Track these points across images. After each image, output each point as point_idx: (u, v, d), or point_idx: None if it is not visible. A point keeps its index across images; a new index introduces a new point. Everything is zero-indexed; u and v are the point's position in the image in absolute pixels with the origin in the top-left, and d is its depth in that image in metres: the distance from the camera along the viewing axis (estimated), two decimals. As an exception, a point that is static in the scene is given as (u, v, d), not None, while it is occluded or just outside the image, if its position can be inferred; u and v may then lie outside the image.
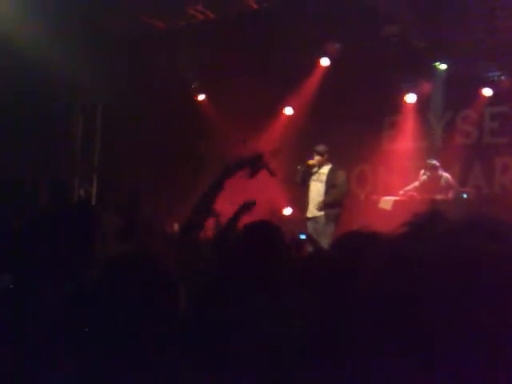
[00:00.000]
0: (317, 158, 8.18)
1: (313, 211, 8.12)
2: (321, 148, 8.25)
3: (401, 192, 8.93)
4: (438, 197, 8.65)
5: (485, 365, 0.66)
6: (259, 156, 3.23)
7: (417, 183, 8.89)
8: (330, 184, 8.04)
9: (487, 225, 0.72)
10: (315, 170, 8.22)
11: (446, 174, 8.89)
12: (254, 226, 2.56)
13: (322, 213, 8.02)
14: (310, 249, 6.35)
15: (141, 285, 1.43)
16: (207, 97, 11.42)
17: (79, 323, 1.40)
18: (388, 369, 0.70)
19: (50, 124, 9.47)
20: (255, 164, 3.20)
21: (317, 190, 8.14)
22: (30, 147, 9.04)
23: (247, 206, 3.85)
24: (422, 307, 0.67)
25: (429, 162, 8.85)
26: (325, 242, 6.69)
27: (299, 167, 8.29)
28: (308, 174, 8.22)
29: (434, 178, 8.76)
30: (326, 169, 8.20)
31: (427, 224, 0.75)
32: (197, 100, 11.42)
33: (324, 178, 8.15)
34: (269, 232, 2.49)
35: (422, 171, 9.06)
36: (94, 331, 1.38)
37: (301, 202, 8.65)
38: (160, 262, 1.56)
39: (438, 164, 8.85)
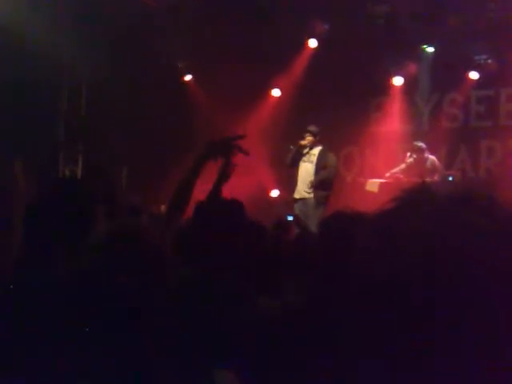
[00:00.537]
0: (309, 138, 8.14)
1: (301, 192, 8.10)
2: (313, 128, 8.22)
3: (387, 174, 8.96)
4: (425, 179, 8.69)
5: (483, 344, 0.65)
6: (230, 139, 2.96)
7: (403, 165, 8.92)
8: (320, 165, 8.03)
9: (478, 200, 0.72)
10: (306, 150, 8.19)
11: (432, 157, 8.93)
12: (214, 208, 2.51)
13: (311, 195, 8.01)
14: (297, 230, 6.38)
15: (130, 259, 1.42)
16: (194, 77, 11.33)
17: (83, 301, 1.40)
18: (382, 354, 0.70)
19: (34, 104, 9.35)
20: (227, 149, 2.94)
21: (306, 170, 8.12)
22: (13, 127, 8.93)
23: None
24: (411, 285, 0.67)
25: (415, 144, 8.88)
26: (314, 225, 6.70)
27: (291, 147, 8.24)
28: (299, 154, 8.19)
29: (420, 161, 8.80)
30: (316, 150, 8.18)
31: (416, 199, 0.74)
32: (183, 80, 11.32)
33: (314, 159, 8.13)
34: (232, 213, 2.42)
35: (409, 153, 9.09)
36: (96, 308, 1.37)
37: (288, 184, 8.64)
38: (146, 238, 1.55)
39: (424, 146, 8.89)
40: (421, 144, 8.87)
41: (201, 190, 4.10)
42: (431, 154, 9.03)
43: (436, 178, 8.79)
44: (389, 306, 0.68)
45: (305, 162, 8.19)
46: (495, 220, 0.69)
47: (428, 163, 8.84)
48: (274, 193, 10.67)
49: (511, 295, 0.65)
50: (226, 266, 2.25)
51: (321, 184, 7.95)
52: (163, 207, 9.63)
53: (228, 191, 4.15)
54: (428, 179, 8.68)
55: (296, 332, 2.01)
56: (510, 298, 0.65)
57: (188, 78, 11.34)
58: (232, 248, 2.32)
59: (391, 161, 9.65)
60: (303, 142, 8.13)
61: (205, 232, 2.32)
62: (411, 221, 0.70)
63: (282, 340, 2.02)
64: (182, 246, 2.27)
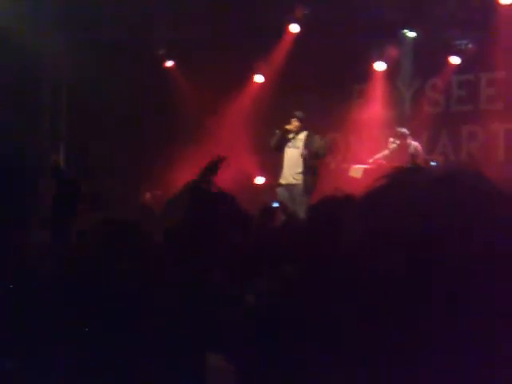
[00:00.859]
0: (295, 123, 8.11)
1: (288, 178, 8.06)
2: (300, 113, 8.20)
3: (370, 160, 9.00)
4: (405, 164, 8.74)
5: (467, 323, 0.66)
6: (215, 162, 3.92)
7: (386, 151, 8.96)
8: (308, 148, 8.01)
9: (465, 178, 0.73)
10: (292, 136, 8.17)
11: (414, 143, 8.98)
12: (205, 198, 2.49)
13: (298, 181, 7.98)
14: (282, 217, 6.39)
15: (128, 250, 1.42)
16: (175, 63, 11.24)
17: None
18: (371, 341, 0.70)
19: (16, 95, 9.25)
20: (214, 169, 3.87)
21: (292, 156, 8.10)
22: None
23: (213, 166, 3.82)
24: (399, 265, 0.68)
25: (398, 130, 8.92)
26: (301, 211, 6.69)
27: (277, 131, 8.21)
28: (284, 139, 8.16)
29: (403, 147, 8.84)
30: (302, 135, 8.16)
31: (403, 176, 0.74)
32: (164, 66, 11.23)
33: (301, 144, 8.10)
34: (222, 203, 2.42)
35: (391, 139, 9.13)
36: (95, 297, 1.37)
37: (274, 170, 8.63)
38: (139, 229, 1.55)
39: (407, 132, 8.93)
40: (404, 130, 8.92)
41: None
42: (413, 139, 9.08)
43: (417, 162, 8.83)
44: (377, 288, 0.68)
45: (290, 147, 8.16)
46: (481, 198, 0.70)
47: (411, 149, 8.89)
48: (259, 180, 10.67)
49: (499, 274, 0.66)
50: (215, 257, 2.25)
51: (315, 155, 7.96)
52: (148, 195, 9.60)
53: (213, 179, 4.15)
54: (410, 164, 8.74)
55: (285, 320, 2.02)
56: (498, 277, 0.66)
57: (169, 64, 11.24)
58: (220, 238, 2.32)
59: (374, 146, 9.68)
60: (289, 127, 8.11)
61: (195, 223, 2.32)
62: (397, 200, 0.71)
63: (271, 328, 2.04)
64: (174, 238, 2.27)
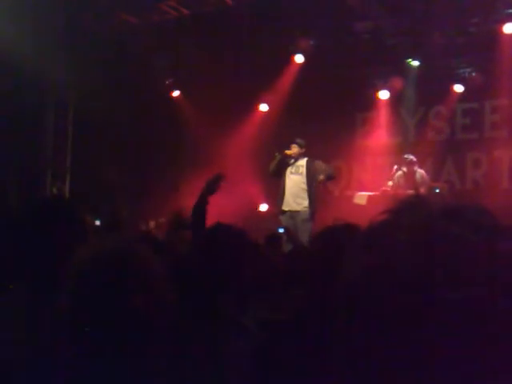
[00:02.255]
0: (295, 149, 8.14)
1: (291, 204, 8.05)
2: (300, 140, 8.25)
3: (383, 188, 8.97)
4: (411, 192, 8.74)
5: (471, 355, 0.66)
6: (218, 177, 4.01)
7: (395, 179, 8.97)
8: (311, 174, 8.02)
9: (469, 214, 0.72)
10: (292, 161, 8.19)
11: (420, 170, 8.99)
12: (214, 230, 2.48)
13: (300, 207, 7.96)
14: (287, 244, 6.38)
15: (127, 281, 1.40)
16: (182, 93, 11.36)
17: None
18: (372, 366, 0.70)
19: (21, 120, 9.32)
20: (217, 183, 3.96)
21: (294, 182, 8.10)
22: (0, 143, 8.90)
23: (213, 184, 3.82)
24: (401, 298, 0.67)
25: (406, 157, 8.93)
26: (305, 238, 6.65)
27: (276, 154, 8.24)
28: (284, 163, 8.18)
29: (410, 174, 8.86)
30: (302, 161, 8.18)
31: (407, 212, 0.74)
32: (171, 96, 11.36)
33: (303, 170, 8.12)
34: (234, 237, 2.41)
35: (395, 167, 9.16)
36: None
37: (276, 196, 8.62)
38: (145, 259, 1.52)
39: (414, 159, 8.95)
40: (411, 157, 8.94)
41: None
42: (419, 167, 9.10)
43: (422, 190, 8.83)
44: (379, 319, 0.68)
45: (292, 173, 8.17)
46: (484, 234, 0.69)
47: (417, 176, 8.90)
48: (263, 207, 10.68)
49: (499, 307, 0.66)
50: (227, 287, 2.25)
51: (329, 177, 8.04)
52: (152, 223, 9.61)
53: (217, 206, 4.15)
54: (414, 192, 8.74)
55: (290, 346, 2.01)
56: (498, 311, 0.66)
57: (176, 93, 11.38)
58: (232, 269, 2.32)
59: (378, 174, 9.70)
60: (289, 152, 8.15)
61: (206, 257, 2.32)
62: (400, 234, 0.71)
63: (279, 353, 2.03)
64: (182, 271, 2.27)
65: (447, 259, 0.67)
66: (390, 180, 8.95)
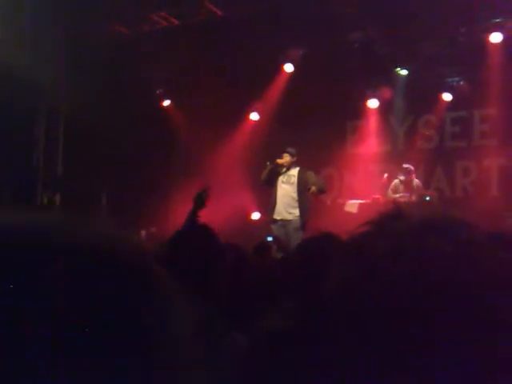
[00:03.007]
0: (287, 158, 8.16)
1: (283, 213, 8.06)
2: (291, 149, 8.27)
3: (391, 196, 9.04)
4: (401, 199, 8.81)
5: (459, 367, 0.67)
6: (204, 192, 4.19)
7: (393, 186, 9.11)
8: (302, 184, 8.03)
9: (448, 225, 0.74)
10: (283, 170, 8.21)
11: (416, 180, 9.14)
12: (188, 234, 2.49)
13: (294, 216, 7.97)
14: (278, 253, 6.39)
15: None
16: (172, 102, 11.38)
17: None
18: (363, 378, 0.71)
19: (13, 129, 9.29)
20: (204, 198, 4.12)
21: (286, 192, 8.11)
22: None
23: (200, 201, 3.83)
24: (381, 309, 0.69)
25: (405, 166, 9.09)
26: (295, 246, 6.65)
27: (268, 163, 8.25)
28: (275, 172, 8.19)
29: (408, 182, 8.99)
30: (294, 171, 8.20)
31: (388, 223, 0.76)
32: (162, 106, 11.37)
33: (294, 179, 8.13)
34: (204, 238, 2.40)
35: (386, 174, 9.23)
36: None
37: (267, 206, 8.64)
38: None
39: (412, 169, 9.09)
40: (409, 166, 9.08)
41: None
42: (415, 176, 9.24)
43: (413, 197, 8.91)
44: (363, 330, 0.69)
45: (284, 183, 8.18)
46: (462, 247, 0.71)
47: (414, 185, 9.05)
48: (255, 215, 10.69)
49: (480, 320, 0.67)
50: (206, 293, 2.25)
51: (320, 191, 8.01)
52: (143, 233, 9.59)
53: (208, 215, 4.17)
54: (405, 199, 8.80)
55: (281, 357, 2.02)
56: (480, 324, 0.67)
57: (166, 103, 11.39)
58: (211, 274, 2.32)
59: (369, 182, 9.75)
60: (280, 161, 8.16)
61: (181, 260, 2.32)
62: (379, 244, 0.72)
63: (268, 366, 2.03)
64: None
65: (424, 270, 0.68)
66: (386, 188, 9.07)
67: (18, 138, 9.67)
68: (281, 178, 8.17)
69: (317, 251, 2.01)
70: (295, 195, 8.02)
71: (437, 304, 0.67)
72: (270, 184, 8.20)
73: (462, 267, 0.69)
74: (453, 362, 0.66)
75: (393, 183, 9.09)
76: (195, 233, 2.45)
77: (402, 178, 9.01)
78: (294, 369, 1.92)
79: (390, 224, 0.75)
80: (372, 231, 0.76)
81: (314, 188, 7.85)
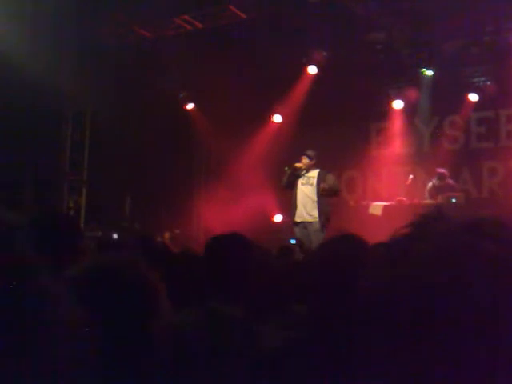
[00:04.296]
0: (305, 161, 8.14)
1: (303, 215, 8.05)
2: (311, 152, 8.25)
3: (400, 198, 8.99)
4: (427, 201, 8.72)
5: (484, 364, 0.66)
6: None
7: (426, 193, 9.09)
8: (323, 183, 8.01)
9: (489, 226, 0.73)
10: (302, 172, 8.19)
11: (450, 181, 9.09)
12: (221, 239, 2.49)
13: (314, 218, 7.94)
14: (299, 255, 6.38)
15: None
16: (196, 105, 11.45)
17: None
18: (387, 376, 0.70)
19: (39, 134, 9.43)
20: None
21: (306, 193, 8.09)
22: (18, 156, 9.00)
23: None
24: (420, 311, 0.68)
25: (439, 171, 9.06)
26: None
27: (286, 168, 8.25)
28: (294, 176, 8.18)
29: (442, 187, 8.93)
30: (314, 173, 8.17)
31: (431, 225, 0.75)
32: (185, 109, 11.44)
33: (314, 181, 8.10)
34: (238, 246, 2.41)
35: (411, 176, 9.16)
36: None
37: (289, 208, 8.63)
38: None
39: (446, 172, 9.03)
40: (443, 170, 9.01)
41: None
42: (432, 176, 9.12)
43: (439, 199, 8.80)
44: (397, 332, 0.69)
45: (303, 184, 8.16)
46: (503, 246, 0.70)
47: (449, 188, 9.01)
48: (278, 217, 10.68)
49: None
50: (236, 296, 2.25)
51: (327, 190, 7.92)
52: (167, 234, 9.66)
53: (231, 217, 4.18)
54: (431, 201, 8.71)
55: (303, 357, 2.01)
56: None
57: (190, 106, 11.46)
58: (240, 277, 2.33)
59: (393, 184, 9.67)
60: (298, 165, 8.15)
61: (213, 267, 2.34)
62: (423, 245, 0.72)
63: (290, 367, 2.02)
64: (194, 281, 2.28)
65: (473, 272, 0.68)
66: (425, 193, 9.04)
67: (46, 142, 9.81)
68: (300, 181, 8.15)
69: (339, 252, 2.00)
70: (314, 197, 7.99)
71: (489, 306, 0.66)
72: (291, 187, 8.19)
73: (509, 268, 0.68)
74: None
75: (427, 187, 9.07)
76: (232, 238, 2.46)
77: (434, 181, 8.96)
78: (313, 366, 1.91)
79: (432, 226, 0.74)
80: (414, 233, 0.75)
81: (324, 184, 7.81)
